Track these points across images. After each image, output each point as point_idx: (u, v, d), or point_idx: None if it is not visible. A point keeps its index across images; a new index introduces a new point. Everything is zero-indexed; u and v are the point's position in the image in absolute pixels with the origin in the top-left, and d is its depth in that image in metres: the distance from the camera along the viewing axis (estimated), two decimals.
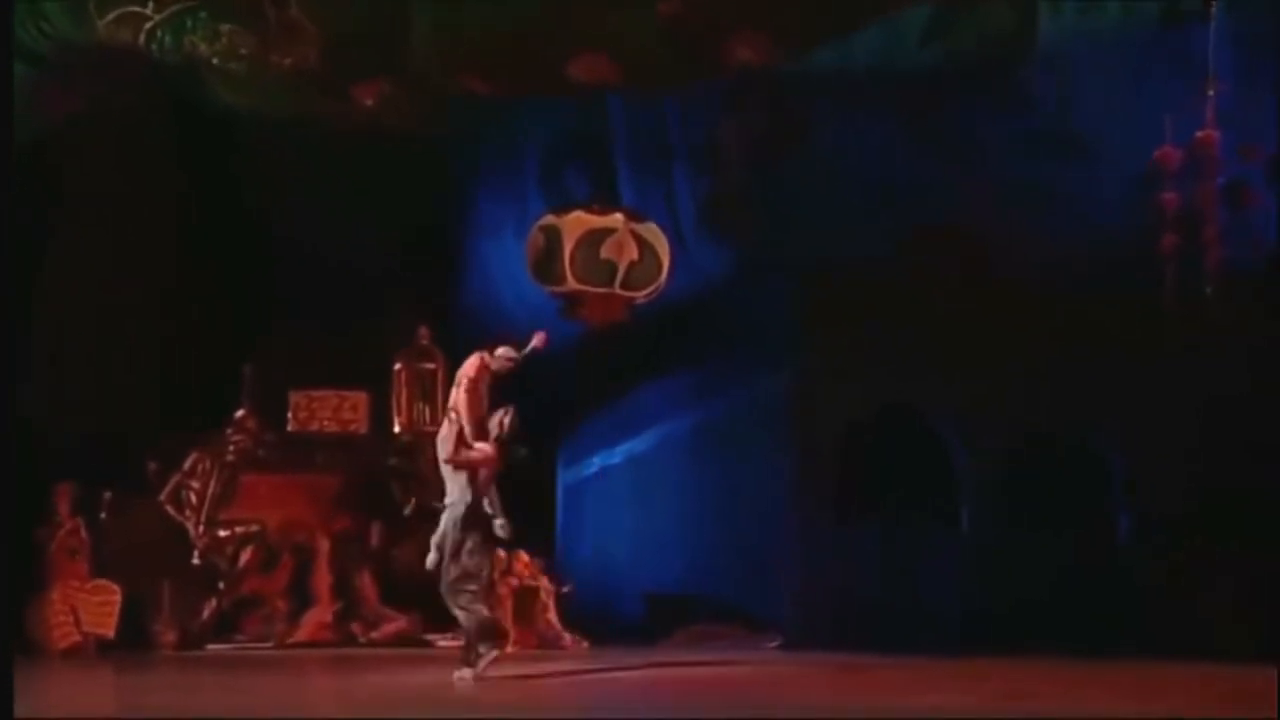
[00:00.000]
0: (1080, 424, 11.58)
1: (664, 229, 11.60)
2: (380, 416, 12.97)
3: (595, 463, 14.46)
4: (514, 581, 11.59)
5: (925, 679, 8.32)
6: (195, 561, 11.94)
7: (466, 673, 7.84)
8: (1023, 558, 11.28)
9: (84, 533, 11.33)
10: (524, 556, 11.93)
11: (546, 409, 13.61)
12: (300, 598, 12.21)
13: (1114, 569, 11.07)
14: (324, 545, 12.30)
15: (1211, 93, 9.31)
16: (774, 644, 11.40)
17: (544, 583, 12.08)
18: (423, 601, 11.84)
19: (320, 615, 12.05)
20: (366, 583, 12.32)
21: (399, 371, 12.99)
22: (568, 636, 11.78)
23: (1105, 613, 10.71)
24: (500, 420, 8.02)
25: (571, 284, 11.13)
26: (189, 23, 9.71)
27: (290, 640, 11.90)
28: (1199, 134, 9.34)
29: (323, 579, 12.13)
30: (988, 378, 11.42)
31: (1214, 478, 10.64)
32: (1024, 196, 10.81)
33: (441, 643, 11.62)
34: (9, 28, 7.34)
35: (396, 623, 12.06)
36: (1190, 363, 10.77)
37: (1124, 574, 10.98)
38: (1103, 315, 10.98)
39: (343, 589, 12.24)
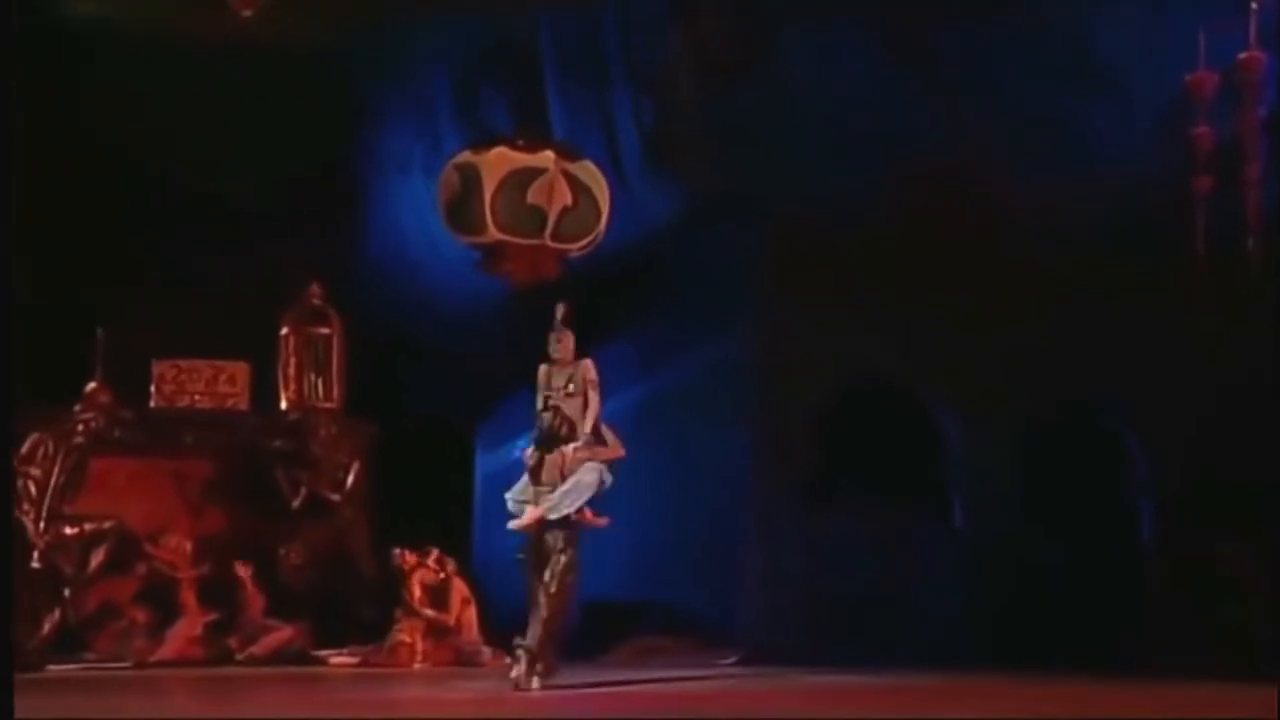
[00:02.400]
0: (1095, 403, 11.62)
1: (603, 168, 11.54)
2: (263, 390, 12.79)
3: (521, 445, 14.09)
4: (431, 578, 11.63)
5: (907, 700, 8.30)
6: (35, 565, 11.54)
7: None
8: (1025, 556, 11.43)
9: None
10: (437, 557, 11.81)
11: (463, 381, 13.97)
12: (164, 607, 11.89)
13: (1131, 571, 11.20)
14: (193, 545, 12.05)
15: (1255, 5, 9.22)
16: (733, 659, 11.33)
17: (459, 587, 11.86)
18: (313, 610, 11.98)
19: (188, 628, 11.67)
20: (246, 589, 12.03)
21: (286, 337, 12.81)
22: (488, 651, 11.54)
23: (1118, 620, 10.85)
24: None
25: (493, 233, 11.05)
26: None
27: (152, 658, 11.53)
28: (1239, 56, 9.25)
29: (191, 585, 11.84)
30: (986, 345, 11.46)
31: (1252, 468, 10.66)
32: (1031, 132, 10.84)
33: (335, 659, 11.50)
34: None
35: (281, 635, 11.81)
36: (1228, 331, 10.76)
37: (1142, 577, 11.19)
38: (1124, 274, 10.99)
39: (217, 597, 11.94)
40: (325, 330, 12.74)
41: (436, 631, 11.61)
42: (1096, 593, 11.06)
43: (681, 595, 12.46)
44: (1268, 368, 10.46)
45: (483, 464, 14.88)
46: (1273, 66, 9.34)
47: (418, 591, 11.56)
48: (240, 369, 12.66)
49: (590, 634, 12.31)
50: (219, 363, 12.59)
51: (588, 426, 8.84)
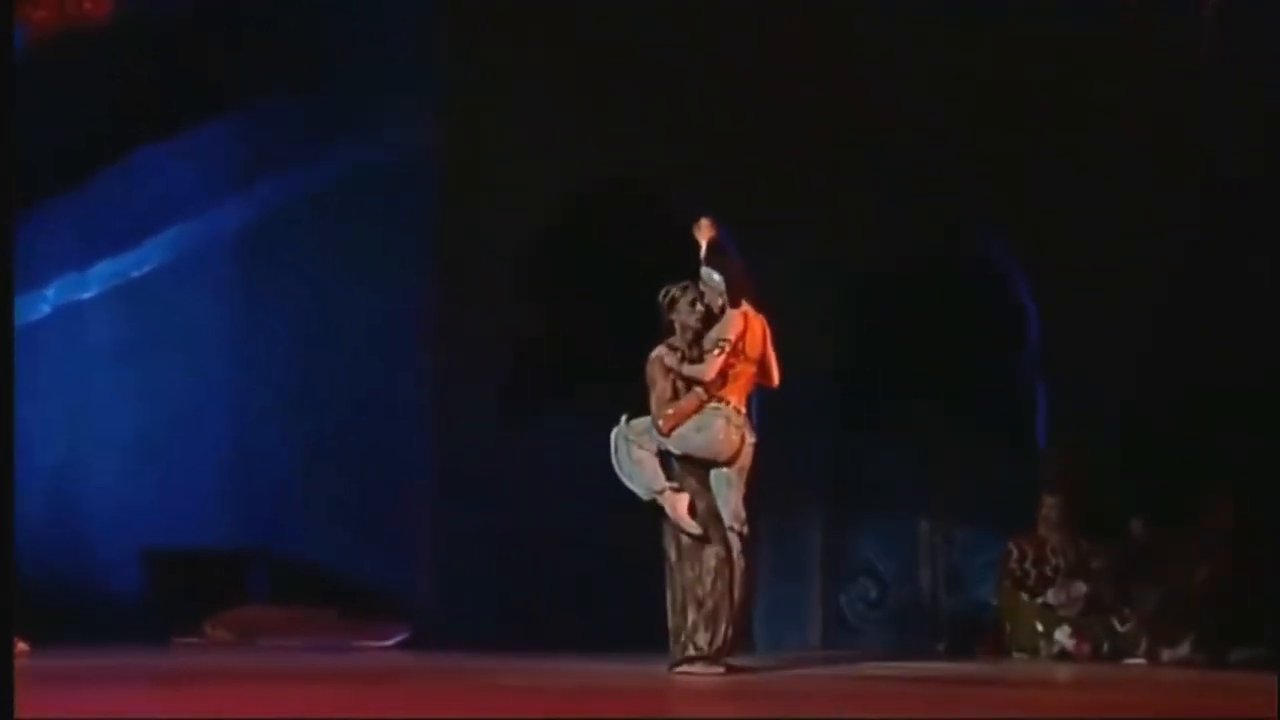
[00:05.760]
0: (969, 239, 11.51)
1: None
2: None
3: (47, 298, 13.51)
4: None
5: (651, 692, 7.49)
6: None
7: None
8: (849, 478, 11.46)
9: None
10: None
11: None
12: None
13: (1014, 499, 10.91)
14: None
15: None
16: (395, 639, 10.99)
17: None
18: None
19: None
20: None
21: None
22: (18, 646, 10.26)
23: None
24: None
25: None
26: None
27: None
28: None
29: None
30: (798, 148, 11.16)
31: (1191, 343, 10.60)
32: None
33: None
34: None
35: None
36: (1163, 141, 10.59)
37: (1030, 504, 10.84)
38: (1013, 44, 10.70)
39: None
40: None
41: None
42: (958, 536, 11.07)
43: (313, 542, 11.86)
44: (1224, 185, 10.43)
45: None
46: None
47: None
48: None
49: (164, 601, 12.01)
50: None
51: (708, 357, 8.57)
